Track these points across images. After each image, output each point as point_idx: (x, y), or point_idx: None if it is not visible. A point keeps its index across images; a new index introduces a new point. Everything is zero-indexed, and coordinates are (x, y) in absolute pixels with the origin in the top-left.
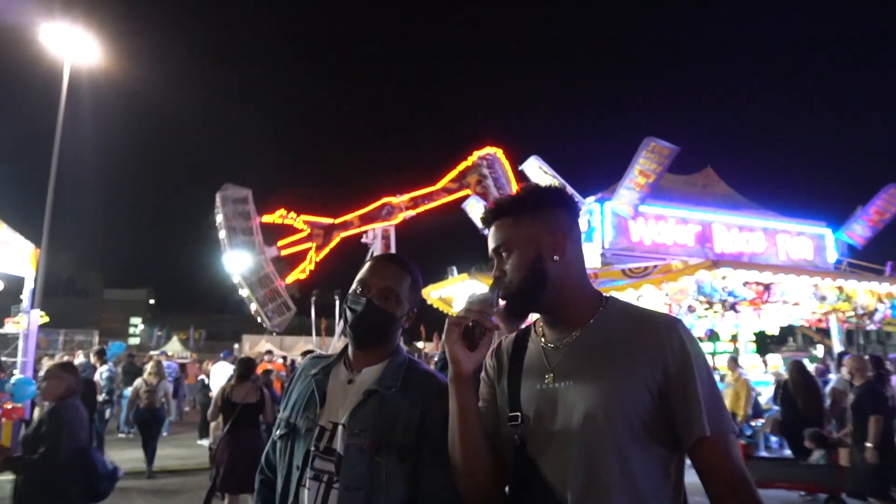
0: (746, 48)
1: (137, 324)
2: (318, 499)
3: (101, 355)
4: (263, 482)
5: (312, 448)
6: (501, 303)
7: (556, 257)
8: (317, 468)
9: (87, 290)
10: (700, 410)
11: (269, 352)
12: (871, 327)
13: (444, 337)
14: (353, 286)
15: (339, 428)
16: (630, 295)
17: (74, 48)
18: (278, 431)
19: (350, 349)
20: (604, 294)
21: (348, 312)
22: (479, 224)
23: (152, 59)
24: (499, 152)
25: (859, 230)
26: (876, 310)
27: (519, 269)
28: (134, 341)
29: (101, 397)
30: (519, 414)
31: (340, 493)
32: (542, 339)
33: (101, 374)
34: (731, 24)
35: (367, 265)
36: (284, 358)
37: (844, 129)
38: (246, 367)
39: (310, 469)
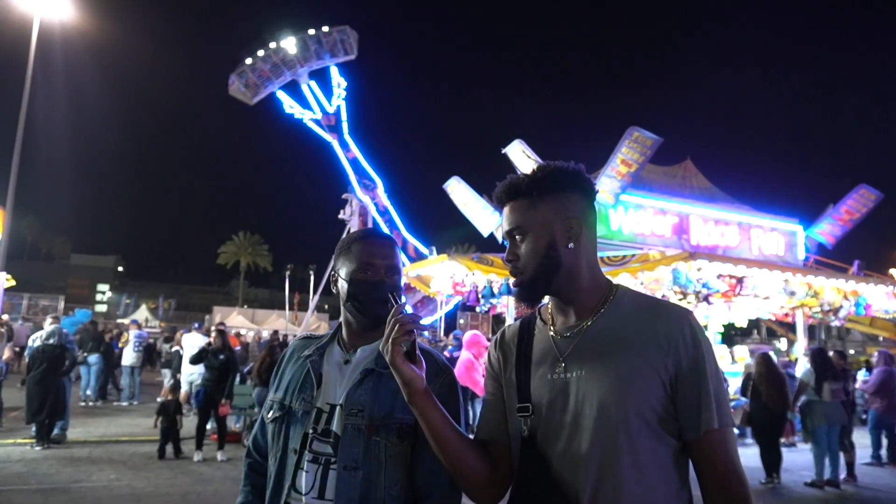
0: (732, 45)
1: (105, 291)
2: (316, 480)
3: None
4: (251, 466)
5: (310, 431)
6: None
7: (570, 245)
8: (315, 450)
9: (52, 255)
10: (711, 403)
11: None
12: (836, 323)
13: (388, 361)
14: (355, 266)
15: (337, 409)
16: None
17: (44, 3)
18: (270, 414)
19: (345, 330)
20: (612, 281)
21: (360, 296)
22: (460, 205)
23: (128, 16)
24: None
25: (830, 229)
26: (841, 306)
27: (532, 254)
28: (101, 308)
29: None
30: (529, 405)
31: (339, 474)
32: (552, 328)
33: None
34: (718, 21)
35: (362, 244)
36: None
37: (821, 128)
38: None
39: (308, 451)
